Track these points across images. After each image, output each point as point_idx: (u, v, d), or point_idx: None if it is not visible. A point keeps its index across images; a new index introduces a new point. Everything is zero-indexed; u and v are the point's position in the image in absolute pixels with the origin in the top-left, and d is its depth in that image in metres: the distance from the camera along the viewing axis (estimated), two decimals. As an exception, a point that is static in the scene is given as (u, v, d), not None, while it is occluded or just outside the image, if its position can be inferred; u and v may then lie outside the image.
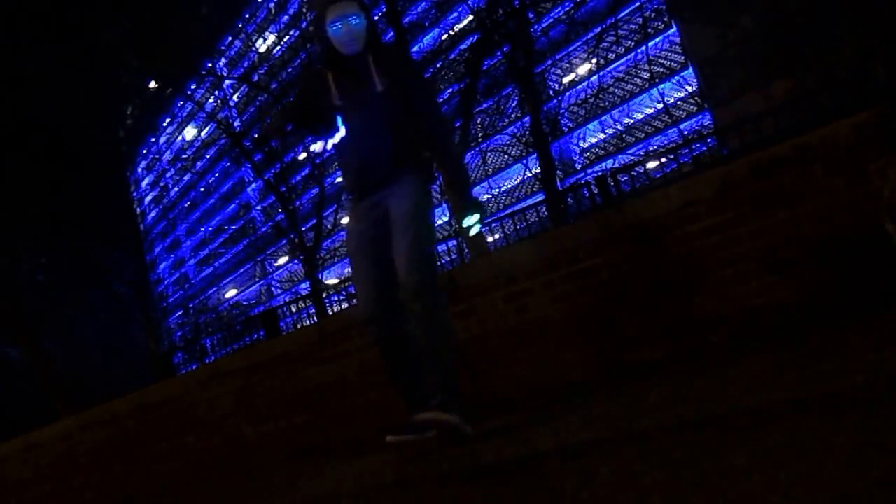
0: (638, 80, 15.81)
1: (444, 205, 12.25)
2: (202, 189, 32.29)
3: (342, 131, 2.66)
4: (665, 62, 15.22)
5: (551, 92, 16.43)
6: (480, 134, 15.06)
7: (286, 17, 22.42)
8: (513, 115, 14.50)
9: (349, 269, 2.87)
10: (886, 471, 0.94)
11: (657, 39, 14.98)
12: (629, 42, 15.36)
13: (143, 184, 35.86)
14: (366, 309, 2.61)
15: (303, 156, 19.28)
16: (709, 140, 8.47)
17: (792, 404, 1.49)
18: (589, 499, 1.23)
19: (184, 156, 29.08)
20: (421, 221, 2.56)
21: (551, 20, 13.21)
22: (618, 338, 3.07)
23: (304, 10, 18.87)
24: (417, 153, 2.70)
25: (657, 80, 14.91)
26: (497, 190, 18.25)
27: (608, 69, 15.14)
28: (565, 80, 16.97)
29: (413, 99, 2.67)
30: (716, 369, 2.27)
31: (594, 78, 14.50)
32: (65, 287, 16.88)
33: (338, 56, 2.61)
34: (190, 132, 30.24)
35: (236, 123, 23.57)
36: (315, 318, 12.08)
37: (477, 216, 2.70)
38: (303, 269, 16.54)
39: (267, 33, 24.20)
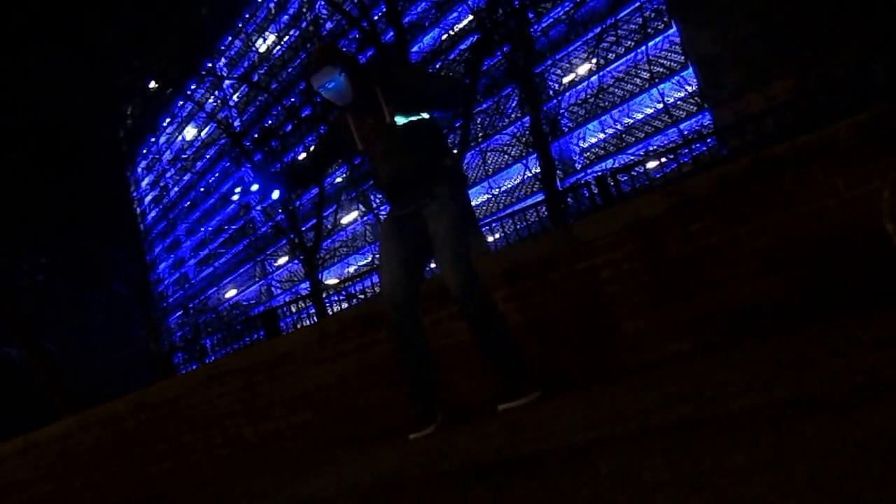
0: (638, 80, 15.80)
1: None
2: (202, 189, 32.27)
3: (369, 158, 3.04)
4: (665, 62, 15.20)
5: (551, 92, 16.43)
6: (480, 134, 15.05)
7: (286, 17, 22.41)
8: (513, 115, 14.50)
9: (378, 266, 3.08)
10: (886, 471, 0.94)
11: (657, 39, 14.96)
12: (629, 42, 15.34)
13: (143, 184, 35.86)
14: (390, 305, 2.91)
15: (302, 156, 19.27)
16: (709, 140, 8.46)
17: (792, 404, 1.49)
18: (589, 499, 1.23)
19: (184, 156, 29.08)
20: (459, 230, 2.85)
21: (551, 20, 13.21)
22: (618, 337, 3.07)
23: (304, 10, 18.89)
24: (441, 164, 3.00)
25: (657, 80, 14.89)
26: (497, 190, 18.25)
27: (608, 69, 15.12)
28: (565, 80, 16.96)
29: (414, 90, 2.93)
30: (716, 369, 2.27)
31: (594, 78, 14.49)
32: (65, 287, 16.88)
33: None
34: (190, 132, 30.24)
35: (236, 123, 23.57)
36: (315, 318, 12.08)
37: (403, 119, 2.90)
38: (303, 269, 16.54)
39: (267, 33, 24.18)
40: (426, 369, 2.96)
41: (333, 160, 3.29)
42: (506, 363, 2.83)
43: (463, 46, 13.61)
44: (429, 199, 2.90)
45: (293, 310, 12.88)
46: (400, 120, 2.90)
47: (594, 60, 15.08)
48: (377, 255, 3.14)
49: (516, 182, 17.50)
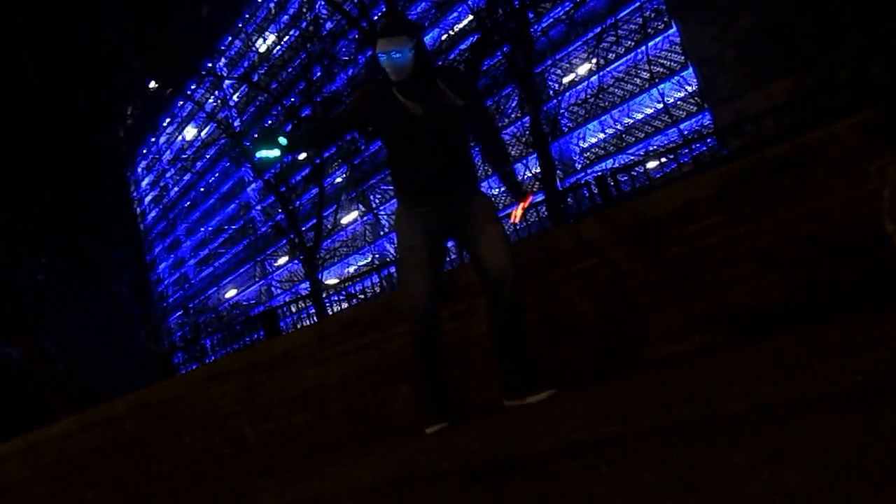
0: (638, 80, 15.82)
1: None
2: (202, 189, 32.29)
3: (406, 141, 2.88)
4: (665, 62, 15.22)
5: (551, 92, 16.44)
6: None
7: (286, 17, 22.42)
8: (513, 115, 14.50)
9: (399, 259, 3.00)
10: (886, 471, 0.94)
11: (657, 39, 14.98)
12: (629, 42, 15.36)
13: (143, 184, 35.88)
14: (420, 299, 2.83)
15: (303, 156, 19.25)
16: (709, 140, 8.45)
17: (792, 404, 1.49)
18: (589, 499, 1.23)
19: (184, 156, 29.09)
20: (503, 227, 2.92)
21: (551, 20, 13.22)
22: (618, 338, 3.07)
23: (304, 10, 18.89)
24: (474, 167, 3.04)
25: (657, 80, 14.91)
26: (497, 190, 18.25)
27: (608, 69, 15.14)
28: (565, 80, 16.98)
29: (477, 109, 2.99)
30: (716, 369, 2.27)
31: (594, 78, 14.51)
32: (65, 287, 16.88)
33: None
34: (190, 132, 30.26)
35: (236, 123, 23.58)
36: (315, 318, 12.08)
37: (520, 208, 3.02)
38: (303, 269, 16.55)
39: (267, 33, 24.20)
40: (444, 367, 2.92)
41: (353, 128, 3.10)
42: (526, 357, 2.82)
43: (463, 46, 13.62)
44: (471, 195, 2.87)
45: (293, 310, 12.87)
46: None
47: (594, 60, 15.09)
48: (400, 251, 2.89)
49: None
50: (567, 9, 12.97)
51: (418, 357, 2.91)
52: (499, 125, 3.09)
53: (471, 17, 12.50)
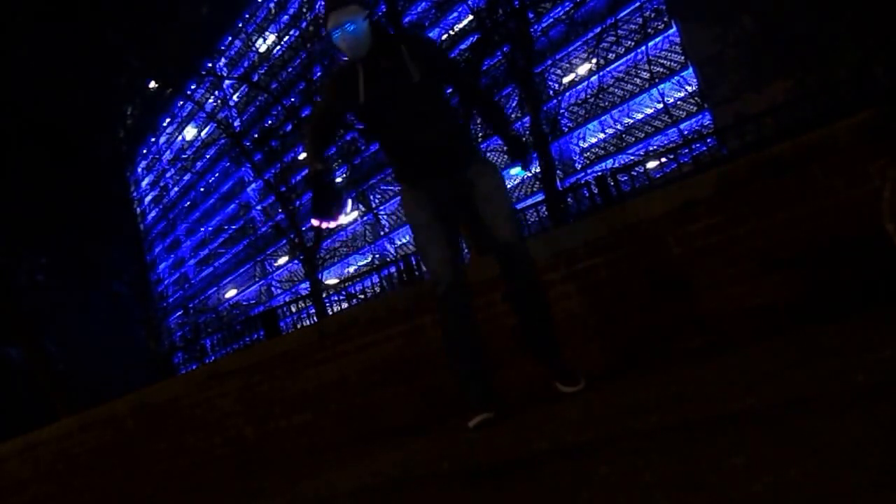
0: (638, 80, 15.82)
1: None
2: (202, 189, 32.29)
3: (384, 124, 2.70)
4: (665, 62, 15.22)
5: (551, 92, 16.43)
6: (480, 134, 15.05)
7: (286, 16, 22.42)
8: (513, 115, 14.50)
9: (416, 240, 2.79)
10: (886, 471, 0.94)
11: (657, 39, 14.99)
12: (629, 42, 15.36)
13: (143, 184, 35.87)
14: (444, 273, 2.64)
15: (303, 156, 19.25)
16: (709, 140, 8.47)
17: (792, 404, 1.49)
18: (589, 499, 1.23)
19: (184, 156, 29.09)
20: (509, 195, 2.83)
21: (551, 20, 13.22)
22: (617, 338, 3.07)
23: (304, 10, 18.88)
24: (469, 133, 2.95)
25: (657, 80, 14.92)
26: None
27: (608, 69, 15.14)
28: (565, 80, 16.98)
29: (456, 76, 2.92)
30: (715, 369, 2.27)
31: (594, 78, 14.51)
32: (65, 287, 16.88)
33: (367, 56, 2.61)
34: (190, 132, 30.26)
35: (236, 123, 23.58)
36: (315, 318, 12.08)
37: (519, 168, 2.97)
38: (303, 269, 16.55)
39: (267, 33, 24.20)
40: (482, 347, 2.70)
41: (337, 126, 2.82)
42: (555, 341, 2.76)
43: (463, 46, 13.62)
44: (474, 165, 2.74)
45: (293, 310, 12.88)
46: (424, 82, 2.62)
47: (594, 60, 15.09)
48: (413, 231, 2.76)
49: (516, 182, 17.51)
50: (567, 9, 12.97)
51: (451, 338, 2.68)
52: (483, 88, 2.93)
53: (471, 17, 12.50)
